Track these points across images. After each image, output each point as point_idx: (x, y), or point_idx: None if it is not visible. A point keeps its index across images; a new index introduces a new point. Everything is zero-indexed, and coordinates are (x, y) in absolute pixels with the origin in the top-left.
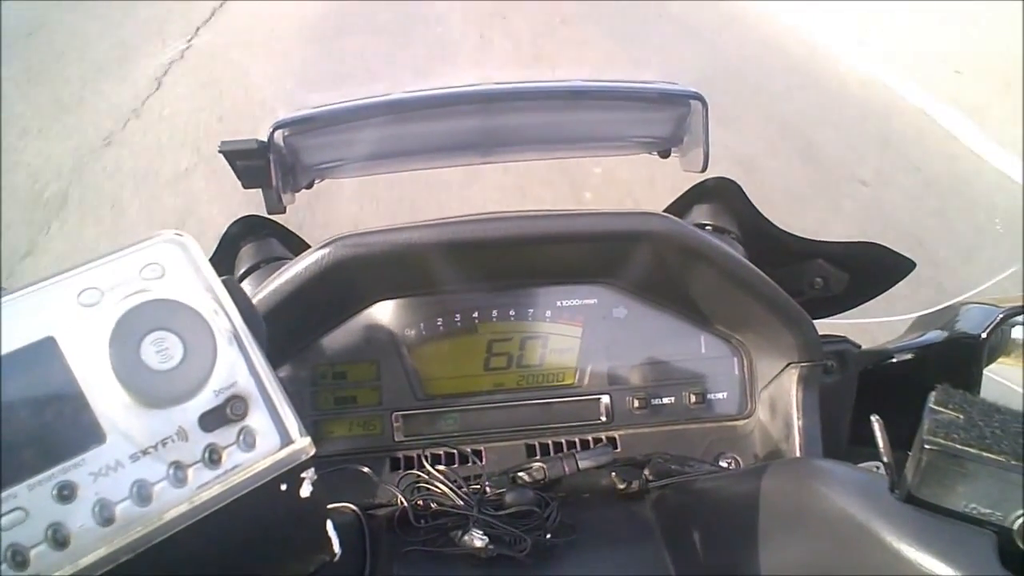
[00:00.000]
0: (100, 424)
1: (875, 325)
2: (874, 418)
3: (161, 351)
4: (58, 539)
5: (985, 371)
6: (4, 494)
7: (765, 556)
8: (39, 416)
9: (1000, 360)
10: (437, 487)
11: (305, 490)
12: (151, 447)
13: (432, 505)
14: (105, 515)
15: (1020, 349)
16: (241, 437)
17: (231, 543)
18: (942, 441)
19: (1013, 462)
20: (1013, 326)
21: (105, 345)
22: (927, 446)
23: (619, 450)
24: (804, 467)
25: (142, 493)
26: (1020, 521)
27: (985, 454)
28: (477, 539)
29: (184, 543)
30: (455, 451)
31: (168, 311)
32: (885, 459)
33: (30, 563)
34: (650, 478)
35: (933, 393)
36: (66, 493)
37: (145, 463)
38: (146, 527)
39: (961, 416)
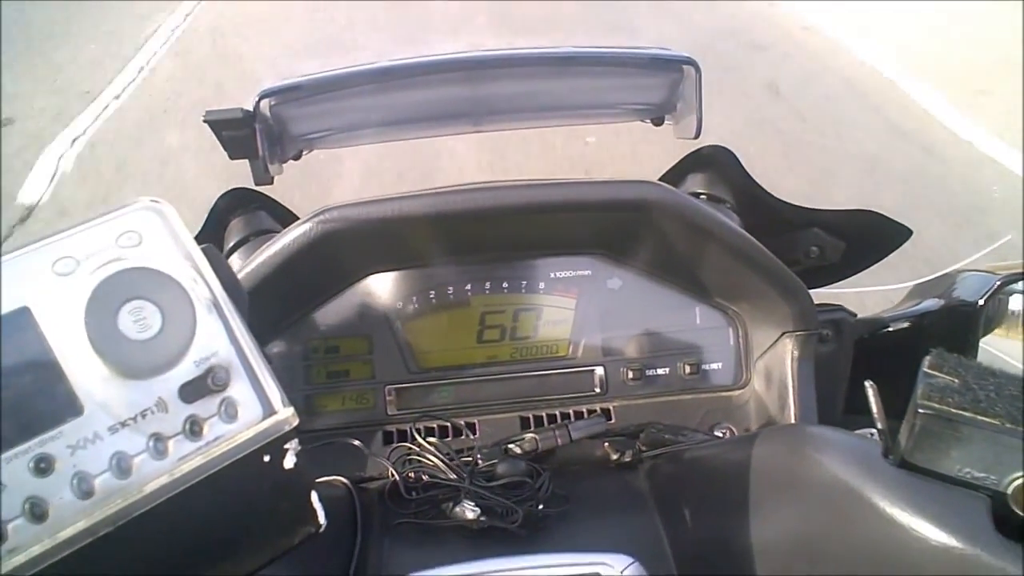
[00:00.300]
0: (77, 396)
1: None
2: (868, 383)
3: (139, 320)
4: (36, 513)
5: (984, 344)
6: None
7: (758, 523)
8: (15, 388)
9: (996, 332)
10: (428, 459)
11: (289, 461)
12: (130, 419)
13: (423, 477)
14: (84, 488)
15: (1018, 320)
16: (223, 408)
17: (214, 515)
18: (936, 405)
19: (1008, 425)
20: (1011, 294)
21: (81, 315)
22: (921, 410)
23: (613, 421)
24: (797, 433)
25: (122, 465)
26: (1015, 485)
27: (980, 417)
28: (469, 511)
29: (165, 516)
30: (448, 424)
31: (146, 279)
32: (879, 425)
33: (8, 536)
34: (643, 448)
35: (928, 357)
36: (43, 466)
37: (124, 435)
38: (126, 500)
39: (956, 380)
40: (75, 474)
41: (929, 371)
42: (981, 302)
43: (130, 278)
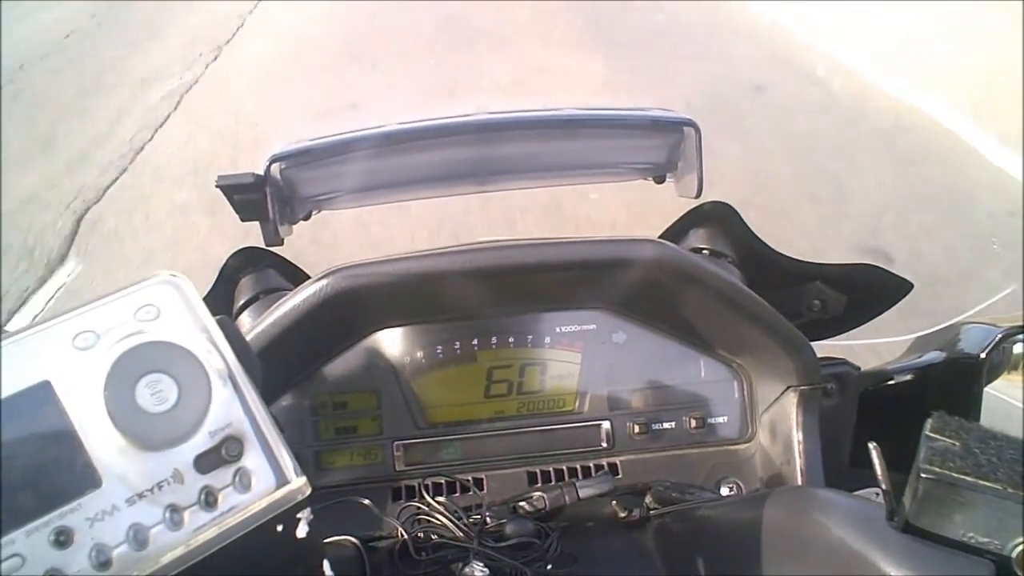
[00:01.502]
0: (96, 468)
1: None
2: (871, 445)
3: (156, 393)
4: None
5: (988, 389)
6: (3, 540)
7: None
8: (36, 461)
9: (1005, 377)
10: (437, 519)
11: (301, 530)
12: (147, 490)
13: (433, 537)
14: (102, 560)
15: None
16: (237, 478)
17: None
18: (938, 470)
19: (1010, 490)
20: (1013, 344)
21: (100, 388)
22: (923, 475)
23: (620, 476)
24: (803, 496)
25: (138, 537)
26: (1019, 550)
27: (981, 482)
28: (478, 571)
29: None
30: (456, 480)
31: (163, 353)
32: (883, 486)
33: None
34: (651, 506)
35: (929, 420)
36: (63, 539)
37: (141, 507)
38: (143, 571)
39: (957, 443)
40: (94, 546)
41: (931, 435)
42: (983, 355)
43: (148, 352)
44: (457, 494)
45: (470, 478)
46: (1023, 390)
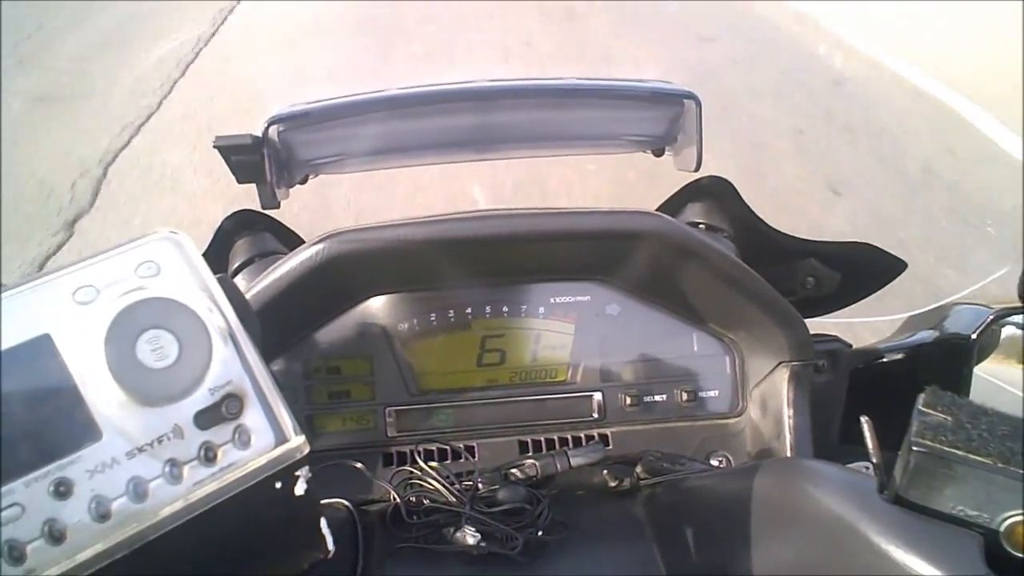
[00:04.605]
0: (96, 421)
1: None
2: (863, 419)
3: (156, 349)
4: (54, 535)
5: (979, 371)
6: (2, 490)
7: (754, 555)
8: (36, 413)
9: (991, 358)
10: (430, 483)
11: (299, 488)
12: (147, 444)
13: (425, 501)
14: (101, 511)
15: (1015, 348)
16: (236, 435)
17: (226, 540)
18: (930, 443)
19: (999, 465)
20: (1003, 326)
21: (101, 343)
22: (915, 448)
23: (611, 447)
24: (793, 467)
25: (138, 490)
26: (1007, 523)
27: (972, 456)
28: (469, 536)
29: (179, 540)
30: (448, 447)
31: (163, 309)
32: (874, 460)
33: (27, 558)
34: (642, 476)
35: (922, 395)
36: (62, 489)
37: (141, 460)
38: (141, 524)
39: (949, 418)
40: (93, 498)
41: (923, 409)
42: (974, 335)
43: (149, 308)
44: (449, 461)
45: (462, 445)
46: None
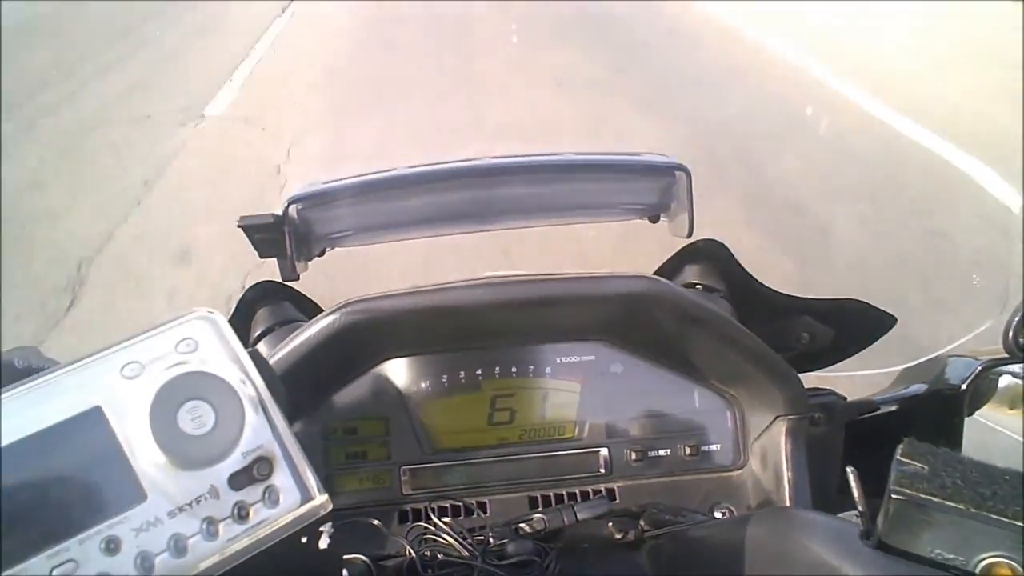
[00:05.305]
0: (142, 484)
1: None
2: (849, 469)
3: (195, 418)
4: None
5: (983, 419)
6: (58, 548)
7: None
8: (88, 477)
9: (988, 406)
10: (443, 538)
11: (323, 542)
12: (186, 504)
13: (438, 555)
14: (146, 566)
15: (1012, 397)
16: (266, 495)
17: None
18: (907, 491)
19: (972, 510)
20: (997, 376)
21: (146, 413)
22: (894, 496)
23: (617, 501)
24: (785, 516)
25: (179, 546)
26: (981, 565)
27: (947, 503)
28: None
29: None
30: (461, 503)
31: (201, 382)
32: (860, 508)
33: None
34: (646, 528)
35: (901, 446)
36: (112, 546)
37: (181, 519)
38: None
39: (926, 467)
40: (139, 554)
41: (902, 459)
42: (964, 386)
43: (188, 381)
44: (462, 516)
45: (474, 501)
46: None
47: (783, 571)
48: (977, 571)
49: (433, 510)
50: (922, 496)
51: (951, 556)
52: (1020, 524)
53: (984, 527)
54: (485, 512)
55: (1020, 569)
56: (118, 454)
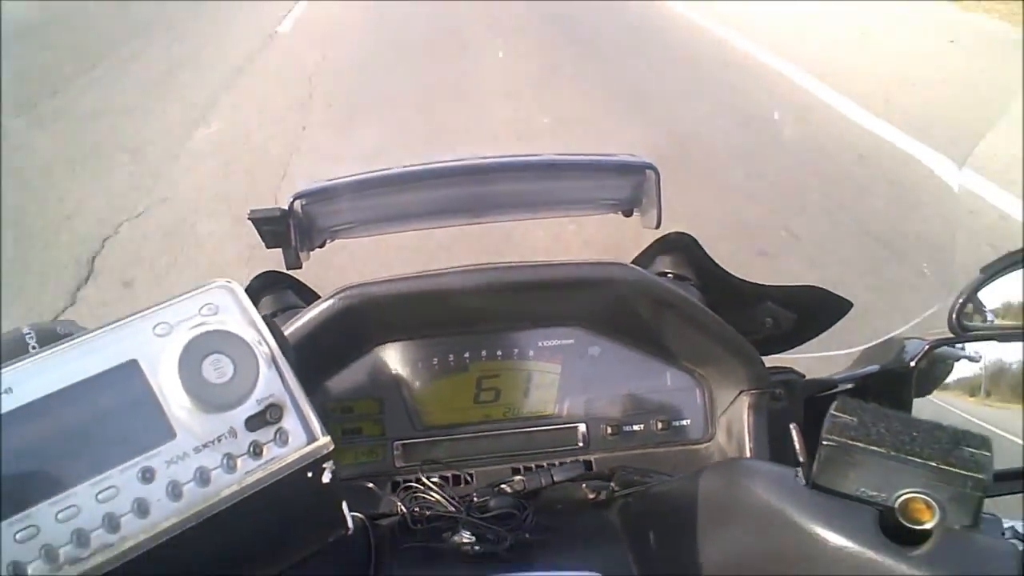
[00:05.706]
0: (172, 425)
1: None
2: (792, 426)
3: (217, 369)
4: (141, 510)
5: (939, 401)
6: (101, 476)
7: (707, 545)
8: (126, 418)
9: (941, 387)
10: (432, 496)
11: (326, 477)
12: (210, 442)
13: (427, 512)
14: (176, 493)
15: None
16: (277, 436)
17: (269, 517)
18: (837, 438)
19: (892, 452)
20: (947, 357)
21: (175, 365)
22: (825, 442)
23: (594, 471)
24: (734, 466)
25: (203, 477)
26: (900, 500)
27: (871, 447)
28: (465, 538)
29: (233, 516)
30: (448, 474)
31: (222, 338)
32: (801, 458)
33: (120, 528)
34: (616, 488)
35: (835, 402)
36: (147, 476)
37: (205, 454)
38: (206, 503)
39: (855, 419)
40: (170, 483)
41: (835, 413)
42: (913, 364)
43: (211, 338)
44: (450, 485)
45: (461, 472)
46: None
47: (734, 515)
48: (896, 505)
49: (423, 479)
50: (849, 442)
51: (874, 493)
52: (933, 464)
53: (902, 467)
54: (471, 481)
55: (933, 503)
56: (151, 399)
